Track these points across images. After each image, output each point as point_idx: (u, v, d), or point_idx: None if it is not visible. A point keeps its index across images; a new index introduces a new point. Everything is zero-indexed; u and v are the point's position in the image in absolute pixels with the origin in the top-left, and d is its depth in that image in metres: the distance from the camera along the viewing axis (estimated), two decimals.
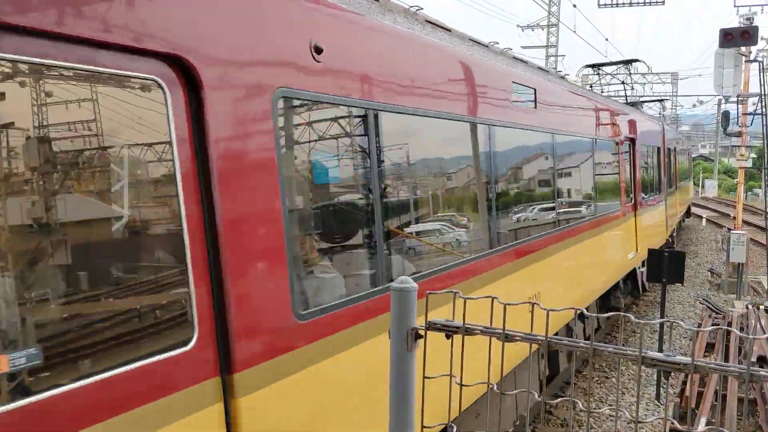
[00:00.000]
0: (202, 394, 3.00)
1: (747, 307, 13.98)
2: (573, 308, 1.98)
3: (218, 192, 3.07)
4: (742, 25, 17.91)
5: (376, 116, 4.49)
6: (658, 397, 9.82)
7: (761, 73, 17.53)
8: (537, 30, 40.15)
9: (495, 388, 2.03)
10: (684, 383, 9.39)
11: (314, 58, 3.81)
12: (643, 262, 14.31)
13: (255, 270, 3.32)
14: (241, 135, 3.28)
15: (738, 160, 20.26)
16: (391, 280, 4.38)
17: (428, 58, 5.25)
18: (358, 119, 4.41)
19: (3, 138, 2.43)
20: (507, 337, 1.95)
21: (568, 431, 8.53)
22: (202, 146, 3.05)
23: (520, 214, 7.62)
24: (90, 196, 2.77)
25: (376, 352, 4.19)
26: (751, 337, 1.80)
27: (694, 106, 63.28)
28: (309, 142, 4.06)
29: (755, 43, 16.36)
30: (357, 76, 4.27)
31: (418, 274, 5.03)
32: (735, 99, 21.65)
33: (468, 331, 2.00)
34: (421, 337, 2.06)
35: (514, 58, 8.05)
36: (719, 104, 41.73)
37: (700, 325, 12.91)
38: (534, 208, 8.07)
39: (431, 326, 2.05)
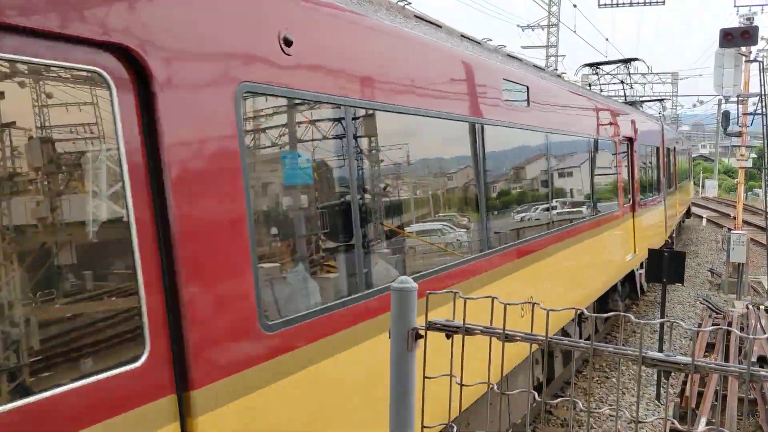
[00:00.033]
0: (155, 413, 2.79)
1: (747, 307, 13.98)
2: (573, 308, 1.98)
3: (172, 194, 2.86)
4: (742, 25, 17.91)
5: (354, 114, 4.29)
6: (658, 397, 9.82)
7: (761, 73, 17.52)
8: (537, 30, 40.16)
9: (495, 388, 2.03)
10: (684, 383, 9.39)
11: (283, 51, 3.58)
12: (641, 264, 14.17)
13: (215, 278, 3.09)
14: (198, 133, 3.05)
15: (738, 160, 20.26)
16: (371, 287, 4.32)
17: (411, 53, 5.02)
18: (334, 117, 4.19)
19: None
20: (507, 337, 1.95)
21: (569, 431, 8.52)
22: (154, 145, 2.84)
23: (512, 217, 7.40)
24: (28, 199, 2.53)
25: (354, 362, 4.07)
26: (751, 337, 1.80)
27: (695, 106, 63.28)
28: (278, 140, 3.84)
29: (755, 43, 16.36)
30: (332, 71, 4.03)
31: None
32: (735, 99, 21.66)
33: (468, 331, 2.00)
34: (421, 337, 2.06)
35: (507, 55, 7.84)
36: (719, 104, 41.75)
37: (700, 325, 12.91)
38: (527, 210, 7.85)
39: (431, 326, 2.05)
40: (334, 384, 3.94)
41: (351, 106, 4.22)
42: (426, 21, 5.85)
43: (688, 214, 32.60)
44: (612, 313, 2.02)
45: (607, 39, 41.87)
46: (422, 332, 2.06)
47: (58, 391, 2.43)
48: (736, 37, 15.58)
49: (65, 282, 2.61)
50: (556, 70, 11.62)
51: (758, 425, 8.43)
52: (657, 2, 34.58)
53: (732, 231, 18.08)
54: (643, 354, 1.74)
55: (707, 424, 7.80)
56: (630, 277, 13.73)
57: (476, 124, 6.14)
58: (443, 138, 5.69)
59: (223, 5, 3.24)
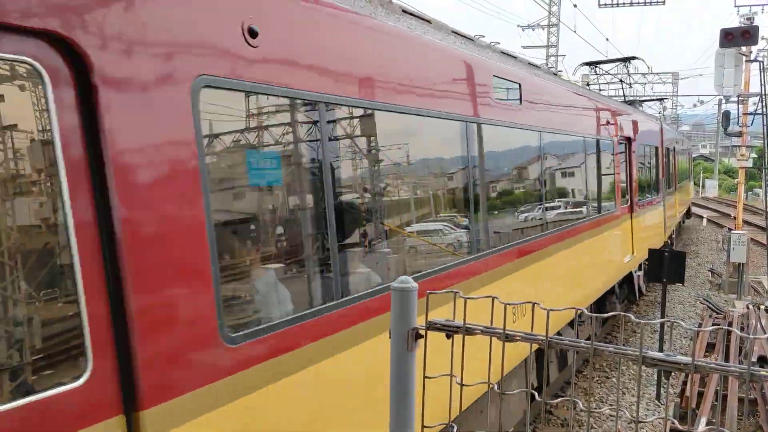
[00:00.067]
0: None
1: (747, 307, 13.98)
2: (573, 308, 1.98)
3: (117, 196, 2.63)
4: (743, 25, 17.90)
5: (328, 111, 4.04)
6: (658, 397, 9.82)
7: (762, 73, 17.52)
8: (537, 30, 40.16)
9: (495, 387, 2.03)
10: (684, 383, 9.38)
11: (248, 42, 3.34)
12: (640, 266, 14.02)
13: (168, 286, 2.85)
14: (148, 129, 2.81)
15: (738, 160, 20.25)
16: (348, 293, 4.10)
17: (391, 47, 4.76)
18: (306, 113, 3.93)
19: None
20: (507, 337, 1.95)
21: (569, 431, 8.52)
22: (95, 142, 2.60)
23: (502, 219, 7.09)
24: None
25: (329, 374, 3.85)
26: (751, 337, 1.80)
27: (695, 105, 63.27)
28: (243, 138, 3.58)
29: (756, 42, 16.36)
30: (304, 66, 3.77)
31: (382, 287, 4.49)
32: (735, 99, 21.66)
33: (468, 331, 2.00)
34: (421, 336, 2.06)
35: (501, 52, 7.59)
36: (720, 104, 41.75)
37: (700, 325, 12.91)
38: (519, 212, 7.57)
39: (432, 326, 2.04)
40: (306, 397, 3.71)
41: (325, 102, 3.97)
42: (414, 16, 5.66)
43: (688, 214, 32.42)
44: (612, 313, 2.02)
45: (607, 39, 41.90)
46: (422, 332, 2.06)
47: None
48: (737, 37, 15.58)
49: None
50: (552, 68, 11.32)
51: (758, 425, 8.43)
52: (657, 2, 34.58)
53: (732, 231, 18.08)
54: (644, 354, 1.74)
55: (707, 424, 7.80)
56: (628, 279, 13.54)
57: (464, 123, 5.90)
58: (427, 136, 5.47)
59: None
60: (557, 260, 8.26)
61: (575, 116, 9.67)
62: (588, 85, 19.61)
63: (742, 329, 12.39)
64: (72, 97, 2.55)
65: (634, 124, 13.97)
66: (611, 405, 9.39)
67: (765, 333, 11.98)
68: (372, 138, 4.72)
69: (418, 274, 5.09)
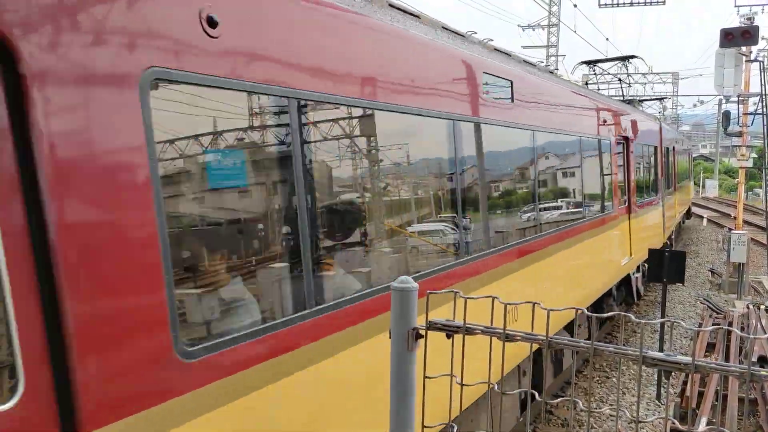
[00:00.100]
0: None
1: (748, 307, 13.98)
2: (574, 308, 1.98)
3: (51, 199, 2.40)
4: (743, 25, 17.91)
5: (301, 107, 3.76)
6: (658, 396, 9.82)
7: (762, 73, 17.52)
8: (537, 30, 40.17)
9: (495, 387, 2.03)
10: (684, 383, 9.38)
11: (206, 32, 3.08)
12: (638, 268, 13.81)
13: (112, 297, 2.60)
14: (87, 126, 2.56)
15: (739, 160, 20.24)
16: (320, 303, 3.84)
17: (369, 40, 4.51)
18: (275, 110, 3.67)
19: None
20: (507, 337, 1.95)
21: (569, 431, 8.52)
22: (26, 140, 2.38)
23: (491, 222, 6.75)
24: None
25: (301, 389, 3.61)
26: (751, 336, 1.80)
27: (695, 105, 63.27)
28: (202, 137, 3.31)
29: (756, 42, 16.35)
30: (272, 58, 3.52)
31: (358, 293, 4.23)
32: (736, 99, 21.66)
33: (468, 331, 2.00)
34: (421, 336, 2.06)
35: (495, 49, 7.38)
36: (720, 104, 41.75)
37: (700, 325, 12.91)
38: (510, 214, 7.27)
39: (432, 326, 2.05)
40: (276, 414, 3.45)
41: (297, 99, 3.71)
42: (401, 10, 5.47)
43: (688, 215, 32.21)
44: (612, 313, 2.02)
45: (607, 39, 41.91)
46: (422, 332, 2.06)
47: None
48: (737, 37, 15.57)
49: None
50: (548, 66, 11.03)
51: (759, 425, 8.43)
52: (657, 2, 34.57)
53: (732, 231, 18.07)
54: (644, 354, 1.74)
55: (708, 424, 7.80)
56: (626, 282, 13.27)
57: (451, 121, 5.62)
58: (411, 135, 5.20)
59: None
60: (551, 263, 8.00)
61: (571, 115, 9.45)
62: (587, 84, 19.39)
63: (742, 329, 12.39)
64: (1, 92, 2.32)
65: (632, 123, 13.75)
66: (611, 405, 9.39)
67: (765, 333, 11.98)
68: (351, 137, 4.49)
69: (414, 275, 4.80)
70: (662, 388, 9.86)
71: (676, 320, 1.80)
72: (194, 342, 3.01)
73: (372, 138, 4.73)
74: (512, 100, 7.04)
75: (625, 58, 21.01)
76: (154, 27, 2.84)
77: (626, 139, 12.91)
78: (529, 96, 7.63)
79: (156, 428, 2.72)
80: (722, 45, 15.98)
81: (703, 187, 57.45)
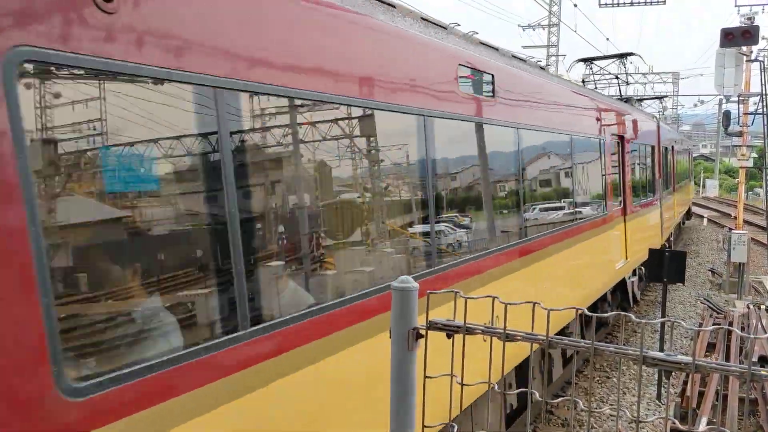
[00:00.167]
0: None
1: (748, 307, 13.99)
2: (574, 308, 1.98)
3: None
4: (743, 25, 17.91)
5: (227, 98, 3.24)
6: (659, 396, 9.82)
7: (762, 73, 17.52)
8: (538, 30, 40.18)
9: (496, 387, 2.03)
10: (685, 383, 9.39)
11: (98, 6, 2.60)
12: (634, 271, 13.46)
13: None
14: None
15: (739, 159, 20.24)
16: (259, 322, 3.37)
17: (314, 23, 3.98)
18: (194, 100, 3.14)
19: None
20: (508, 337, 1.94)
21: (569, 431, 8.52)
22: None
23: (471, 226, 6.28)
24: None
25: (223, 427, 3.11)
26: (752, 336, 1.80)
27: (695, 105, 63.30)
28: (96, 129, 2.78)
29: (756, 42, 16.36)
30: (184, 39, 3.00)
31: (306, 311, 3.71)
32: (736, 99, 21.66)
33: (469, 331, 1.99)
34: (421, 336, 2.06)
35: (480, 43, 6.88)
36: (720, 104, 41.74)
37: (701, 325, 12.90)
38: (490, 218, 6.70)
39: (432, 326, 2.04)
40: None
41: (225, 89, 3.20)
42: (379, 1, 5.06)
43: (688, 215, 31.90)
44: (613, 313, 2.02)
45: (607, 39, 41.85)
46: (422, 332, 2.06)
47: None
48: (737, 37, 15.57)
49: None
50: (540, 61, 10.56)
51: (759, 425, 8.43)
52: (658, 2, 34.55)
53: (733, 231, 18.07)
54: (644, 354, 1.74)
55: (708, 424, 7.80)
56: (622, 286, 12.75)
57: (420, 117, 5.12)
58: (368, 130, 4.70)
59: None
60: (536, 270, 7.45)
61: (561, 113, 8.98)
62: (583, 82, 19.16)
63: (742, 329, 12.39)
64: None
65: (628, 122, 13.36)
66: (612, 405, 9.38)
67: (765, 333, 11.98)
68: (294, 133, 3.95)
69: (362, 293, 4.27)
70: (663, 388, 9.86)
71: (677, 320, 1.80)
72: (83, 376, 2.50)
73: (316, 134, 4.19)
74: (494, 95, 6.57)
75: (622, 56, 20.77)
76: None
77: (621, 138, 12.51)
78: (514, 91, 7.16)
79: None
80: (722, 45, 15.97)
81: (704, 186, 57.44)
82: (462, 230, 6.14)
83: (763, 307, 13.92)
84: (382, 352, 4.28)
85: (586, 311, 1.91)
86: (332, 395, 3.98)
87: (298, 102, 3.85)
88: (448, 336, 2.03)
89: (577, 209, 9.44)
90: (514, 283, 6.74)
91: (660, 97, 33.25)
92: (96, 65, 2.61)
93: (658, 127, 18.07)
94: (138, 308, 2.91)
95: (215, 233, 3.27)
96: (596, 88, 19.07)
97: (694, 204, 38.52)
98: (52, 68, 2.52)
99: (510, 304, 1.94)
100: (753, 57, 18.67)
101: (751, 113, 19.81)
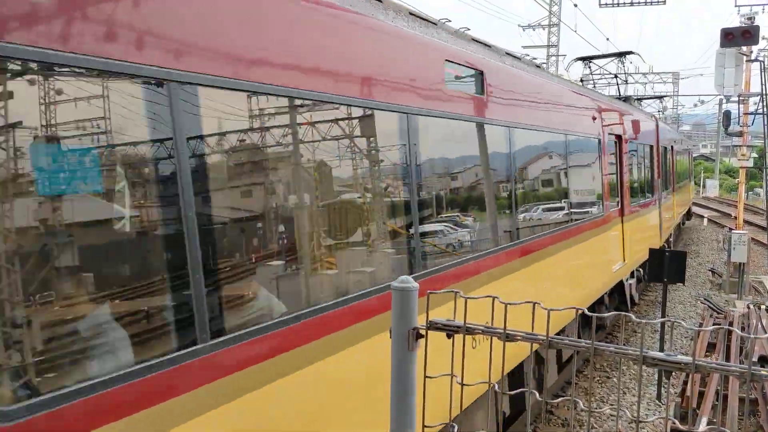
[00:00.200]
0: None
1: (748, 307, 13.99)
2: (574, 308, 1.98)
3: None
4: (744, 25, 17.91)
5: (181, 92, 2.98)
6: (659, 396, 9.82)
7: (762, 73, 17.52)
8: (538, 30, 40.18)
9: (496, 387, 2.03)
10: (685, 383, 9.38)
11: None
12: (632, 273, 13.23)
13: None
14: None
15: (739, 159, 20.25)
16: (220, 335, 3.13)
17: (290, 15, 3.73)
18: (143, 94, 2.86)
19: None
20: (508, 337, 1.94)
21: (569, 431, 8.52)
22: None
23: (460, 229, 6.00)
24: None
25: None
26: (752, 336, 1.80)
27: (696, 105, 63.33)
28: (23, 126, 2.49)
29: (756, 42, 16.36)
30: (135, 28, 2.74)
31: (267, 323, 3.43)
32: (736, 99, 21.66)
33: (469, 331, 1.99)
34: (421, 336, 2.06)
35: (473, 39, 6.67)
36: (720, 104, 41.75)
37: (701, 325, 12.90)
38: (480, 220, 6.47)
39: (432, 326, 2.04)
40: None
41: (174, 81, 2.93)
42: None
43: (688, 216, 31.72)
44: (613, 313, 2.02)
45: (608, 39, 41.85)
46: (423, 332, 2.06)
47: None
48: (737, 37, 15.57)
49: None
50: (536, 59, 10.19)
51: (759, 425, 8.43)
52: (658, 2, 34.54)
53: (733, 231, 18.07)
54: (644, 354, 1.74)
55: (708, 424, 7.80)
56: (620, 288, 12.45)
57: (401, 114, 4.84)
58: (344, 128, 4.43)
59: None
60: (529, 274, 7.19)
61: (556, 111, 8.71)
62: (582, 81, 18.95)
63: (742, 329, 12.39)
64: None
65: (626, 121, 13.12)
66: (612, 405, 9.38)
67: (765, 333, 11.98)
68: (264, 131, 3.68)
69: (342, 300, 4.02)
70: (663, 388, 9.86)
71: (677, 320, 1.80)
72: (15, 397, 2.28)
73: (290, 132, 3.91)
74: (483, 93, 6.29)
75: (621, 54, 20.61)
76: None
77: (619, 137, 12.29)
78: (505, 89, 6.90)
79: None
80: (723, 45, 15.97)
81: (704, 186, 57.47)
82: (452, 233, 5.88)
83: (763, 307, 13.92)
84: (364, 363, 4.11)
85: (586, 311, 1.91)
86: (304, 410, 3.74)
87: (267, 97, 3.59)
88: (449, 336, 2.03)
89: (572, 210, 9.23)
90: (506, 287, 6.50)
91: (660, 97, 33.21)
92: (18, 54, 2.36)
93: (657, 126, 17.89)
94: (82, 322, 2.64)
95: (170, 239, 3.00)
96: (595, 87, 18.95)
97: (695, 204, 38.51)
98: None
99: (510, 304, 1.94)
100: (753, 57, 18.67)
101: (752, 113, 19.81)
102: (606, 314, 1.91)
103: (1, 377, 2.28)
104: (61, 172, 2.61)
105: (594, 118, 10.57)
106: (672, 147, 21.78)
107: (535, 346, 1.99)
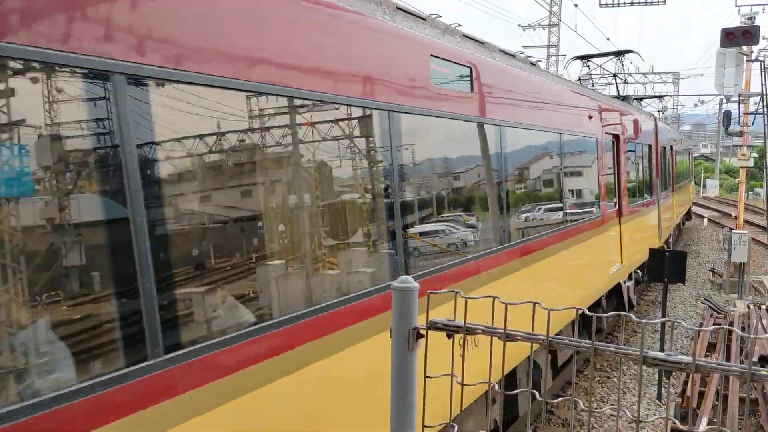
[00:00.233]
0: None
1: (748, 307, 13.99)
2: (574, 308, 1.98)
3: None
4: (744, 25, 17.92)
5: (138, 87, 2.81)
6: (659, 396, 9.82)
7: (762, 73, 17.52)
8: (538, 30, 40.19)
9: (496, 387, 2.02)
10: (685, 383, 9.39)
11: None
12: (630, 275, 13.02)
13: None
14: None
15: (739, 159, 20.25)
16: (173, 349, 2.95)
17: (254, 4, 3.50)
18: (87, 87, 2.66)
19: None
20: (508, 337, 1.94)
21: (570, 431, 8.52)
22: None
23: (449, 231, 5.83)
24: None
25: None
26: (752, 336, 1.80)
27: (696, 105, 63.29)
28: None
29: (757, 42, 16.36)
30: (82, 18, 2.55)
31: (229, 336, 3.23)
32: (736, 98, 21.66)
33: (469, 331, 1.99)
34: (422, 336, 2.06)
35: (464, 35, 6.46)
36: (721, 104, 41.75)
37: (701, 325, 12.90)
38: (471, 222, 6.26)
39: (432, 326, 2.04)
40: None
41: (120, 73, 2.72)
42: None
43: (688, 216, 31.57)
44: (613, 313, 2.02)
45: (608, 39, 41.83)
46: (423, 332, 2.06)
47: None
48: (738, 37, 15.57)
49: None
50: (530, 57, 9.88)
51: (759, 425, 8.43)
52: (658, 2, 34.52)
53: (733, 231, 18.07)
54: (645, 354, 1.73)
55: (708, 424, 7.80)
56: (617, 291, 12.21)
57: (381, 111, 4.61)
58: (320, 125, 4.18)
59: None
60: (521, 278, 7.00)
61: (551, 110, 8.50)
62: (580, 80, 18.74)
63: (743, 329, 12.39)
64: None
65: (624, 120, 12.93)
66: (612, 405, 9.38)
67: (766, 333, 11.98)
68: (232, 128, 3.47)
69: (287, 318, 3.69)
70: (663, 388, 9.86)
71: (677, 320, 1.80)
72: None
73: (258, 128, 3.67)
74: (472, 90, 6.07)
75: (620, 53, 20.46)
76: None
77: (617, 137, 12.08)
78: (496, 86, 6.66)
79: None
80: (723, 45, 15.97)
81: (704, 186, 57.50)
82: (436, 235, 5.66)
83: (763, 307, 13.92)
84: (325, 380, 3.88)
85: (587, 311, 1.91)
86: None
87: (231, 91, 3.35)
88: (449, 336, 2.03)
89: (566, 212, 9.02)
90: (495, 292, 6.21)
91: (659, 97, 33.14)
92: None
93: (656, 125, 17.68)
94: (18, 336, 2.43)
95: (118, 245, 2.78)
96: (593, 86, 18.84)
97: (695, 204, 38.49)
98: None
99: (511, 303, 1.94)
100: (753, 57, 18.66)
101: (752, 113, 19.81)
102: (606, 314, 1.91)
103: None
104: None
105: (590, 118, 10.38)
106: (671, 147, 21.63)
107: (536, 346, 1.99)
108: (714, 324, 12.98)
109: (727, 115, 22.48)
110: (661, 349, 9.66)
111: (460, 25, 6.62)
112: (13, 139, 2.47)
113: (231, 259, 3.48)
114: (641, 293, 16.24)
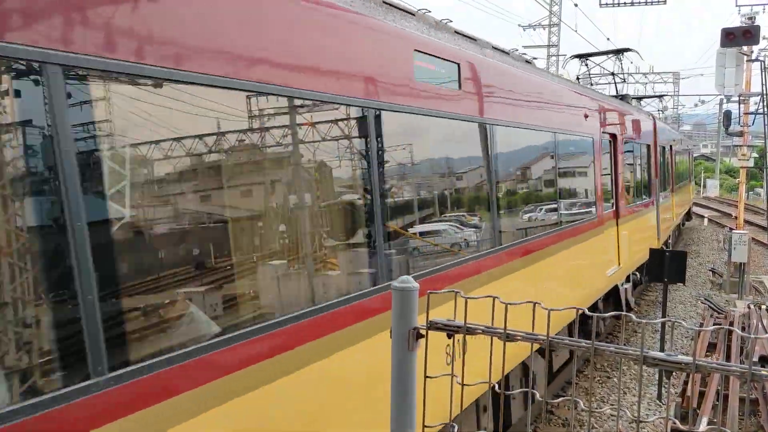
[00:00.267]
0: None
1: (749, 307, 13.99)
2: (575, 308, 1.98)
3: None
4: (744, 25, 17.92)
5: (77, 77, 2.61)
6: (659, 396, 9.82)
7: (763, 73, 17.52)
8: (538, 30, 40.20)
9: (496, 387, 2.03)
10: (685, 383, 9.39)
11: None
12: (627, 278, 12.80)
13: None
14: None
15: (740, 159, 20.25)
16: (123, 365, 2.70)
17: None
18: (27, 81, 2.47)
19: None
20: (508, 337, 1.94)
21: (570, 431, 8.52)
22: None
23: (439, 233, 5.67)
24: None
25: None
26: (752, 336, 1.80)
27: (696, 105, 63.31)
28: None
29: (757, 42, 16.36)
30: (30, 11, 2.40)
31: (201, 345, 3.05)
32: (737, 98, 21.66)
33: (469, 331, 1.99)
34: (422, 336, 2.06)
35: (455, 32, 6.25)
36: (721, 104, 41.75)
37: (701, 325, 12.90)
38: (461, 224, 6.09)
39: (432, 326, 2.04)
40: None
41: (78, 67, 2.58)
42: None
43: (688, 216, 31.40)
44: (613, 313, 2.02)
45: (608, 38, 41.83)
46: (423, 332, 2.06)
47: None
48: (738, 37, 15.57)
49: None
50: (524, 55, 9.61)
51: (760, 425, 8.43)
52: (658, 2, 34.51)
53: (733, 231, 18.08)
54: (645, 354, 1.73)
55: (708, 424, 7.80)
56: (615, 293, 11.96)
57: (363, 108, 4.43)
58: (295, 123, 3.98)
59: None
60: (514, 281, 6.77)
61: (544, 109, 8.27)
62: (578, 79, 18.52)
63: (743, 329, 12.39)
64: None
65: (621, 119, 12.73)
66: (612, 405, 9.38)
67: (766, 333, 11.98)
68: (208, 127, 3.31)
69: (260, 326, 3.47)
70: (663, 388, 9.86)
71: (677, 320, 1.80)
72: None
73: (228, 127, 3.48)
74: (459, 87, 5.84)
75: (619, 52, 20.31)
76: None
77: (614, 136, 11.88)
78: (485, 83, 6.39)
79: None
80: (723, 44, 15.97)
81: (704, 186, 57.52)
82: (421, 238, 5.48)
83: (763, 307, 13.93)
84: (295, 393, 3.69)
85: (587, 311, 1.91)
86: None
87: (205, 88, 3.16)
88: (449, 336, 2.03)
89: (561, 213, 8.81)
90: (503, 289, 6.17)
91: (659, 96, 33.10)
92: None
93: (655, 125, 17.44)
94: None
95: (56, 252, 2.54)
96: (592, 85, 18.74)
97: (695, 204, 38.47)
98: None
99: (511, 303, 1.94)
100: (754, 57, 18.67)
101: (752, 113, 19.82)
102: (606, 314, 1.91)
103: None
104: None
105: (587, 117, 10.12)
106: (671, 147, 21.45)
107: (536, 345, 1.99)
108: (714, 324, 12.98)
109: (728, 115, 22.50)
110: (662, 349, 9.66)
111: (450, 21, 6.39)
112: None
113: (218, 260, 3.38)
114: (641, 293, 16.24)
